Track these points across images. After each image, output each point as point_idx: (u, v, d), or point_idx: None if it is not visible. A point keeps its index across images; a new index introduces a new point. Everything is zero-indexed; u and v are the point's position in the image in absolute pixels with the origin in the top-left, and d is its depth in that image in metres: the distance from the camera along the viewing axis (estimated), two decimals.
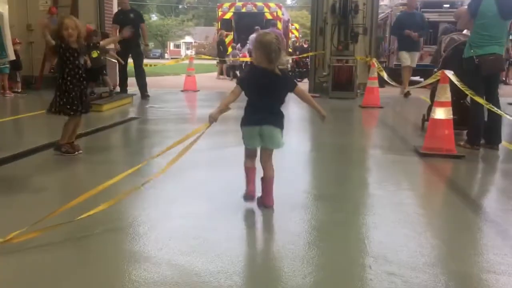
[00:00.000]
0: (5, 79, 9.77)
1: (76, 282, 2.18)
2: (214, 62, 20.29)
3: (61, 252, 2.51)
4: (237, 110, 3.26)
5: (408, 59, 11.28)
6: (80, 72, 4.60)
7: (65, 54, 4.50)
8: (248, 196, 3.22)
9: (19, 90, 10.25)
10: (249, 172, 3.21)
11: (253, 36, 16.45)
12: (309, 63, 16.76)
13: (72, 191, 3.70)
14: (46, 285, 2.16)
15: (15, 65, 10.08)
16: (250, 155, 3.22)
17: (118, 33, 9.64)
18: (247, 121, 3.14)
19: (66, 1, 11.19)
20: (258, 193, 3.19)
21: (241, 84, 3.15)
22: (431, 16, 14.84)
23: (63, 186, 3.91)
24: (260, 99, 3.10)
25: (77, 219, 2.68)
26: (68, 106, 4.56)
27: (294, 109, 9.77)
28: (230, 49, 18.22)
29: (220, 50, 17.91)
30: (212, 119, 3.07)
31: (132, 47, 9.58)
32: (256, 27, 16.79)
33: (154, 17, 60.29)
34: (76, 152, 4.73)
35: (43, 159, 4.68)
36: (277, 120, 3.14)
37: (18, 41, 10.37)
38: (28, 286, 2.15)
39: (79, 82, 4.59)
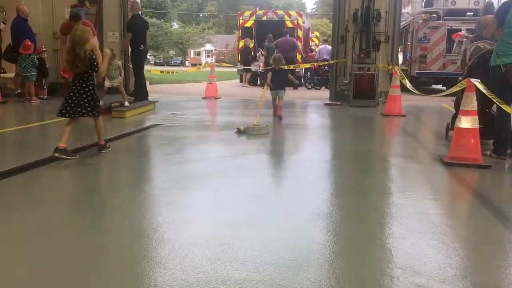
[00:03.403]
0: (31, 86, 9.96)
1: (102, 286, 2.20)
2: (235, 69, 20.37)
3: (86, 256, 2.53)
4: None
5: None
6: None
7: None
8: (277, 115, 8.23)
9: (45, 97, 10.44)
10: (276, 107, 8.39)
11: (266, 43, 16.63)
12: (328, 71, 16.75)
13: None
14: None
15: (42, 72, 10.30)
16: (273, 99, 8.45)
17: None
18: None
19: (91, 9, 11.39)
20: None
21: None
22: (454, 24, 14.71)
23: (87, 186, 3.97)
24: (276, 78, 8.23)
25: None
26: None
27: (313, 118, 9.74)
28: (239, 56, 18.44)
29: (248, 59, 17.90)
30: (268, 84, 8.15)
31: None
32: (269, 34, 16.96)
33: (175, 25, 60.91)
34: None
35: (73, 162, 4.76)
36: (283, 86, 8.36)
37: (44, 48, 10.58)
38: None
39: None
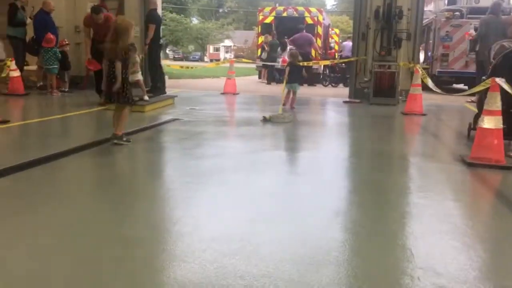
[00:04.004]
0: (53, 79, 10.09)
1: (121, 279, 2.22)
2: (254, 65, 20.32)
3: (105, 249, 2.56)
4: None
5: None
6: None
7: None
8: (291, 107, 9.05)
9: (66, 90, 10.58)
10: (286, 97, 9.19)
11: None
12: (345, 69, 16.60)
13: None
14: (89, 281, 2.21)
15: (64, 65, 10.43)
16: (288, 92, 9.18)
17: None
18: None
19: (113, 4, 11.48)
20: None
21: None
22: (477, 23, 14.42)
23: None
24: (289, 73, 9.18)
25: None
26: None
27: (332, 115, 9.69)
28: (259, 51, 18.35)
29: (268, 55, 17.90)
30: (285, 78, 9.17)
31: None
32: (273, 31, 17.48)
33: (195, 21, 61.09)
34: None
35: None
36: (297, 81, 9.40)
37: (67, 42, 10.71)
38: (73, 280, 2.20)
39: None
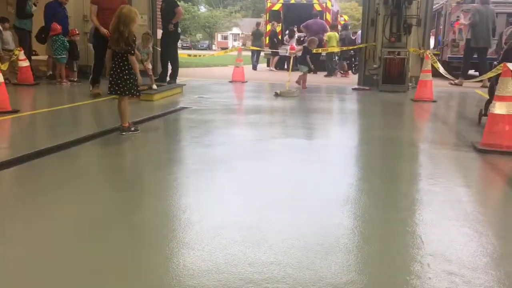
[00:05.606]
0: (62, 69, 10.12)
1: (131, 266, 2.23)
2: (262, 53, 20.19)
3: (115, 237, 2.57)
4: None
5: None
6: None
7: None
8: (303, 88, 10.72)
9: (75, 79, 10.61)
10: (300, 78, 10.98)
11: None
12: (353, 56, 16.42)
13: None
14: (100, 268, 2.22)
15: (73, 55, 10.45)
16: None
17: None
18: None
19: None
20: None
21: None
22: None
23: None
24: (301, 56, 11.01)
25: None
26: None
27: (341, 102, 9.63)
28: (267, 39, 18.27)
29: (274, 42, 17.78)
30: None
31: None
32: (258, 21, 18.94)
33: (203, 9, 60.84)
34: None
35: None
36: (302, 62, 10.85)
37: (77, 32, 10.71)
38: (85, 274, 2.21)
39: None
